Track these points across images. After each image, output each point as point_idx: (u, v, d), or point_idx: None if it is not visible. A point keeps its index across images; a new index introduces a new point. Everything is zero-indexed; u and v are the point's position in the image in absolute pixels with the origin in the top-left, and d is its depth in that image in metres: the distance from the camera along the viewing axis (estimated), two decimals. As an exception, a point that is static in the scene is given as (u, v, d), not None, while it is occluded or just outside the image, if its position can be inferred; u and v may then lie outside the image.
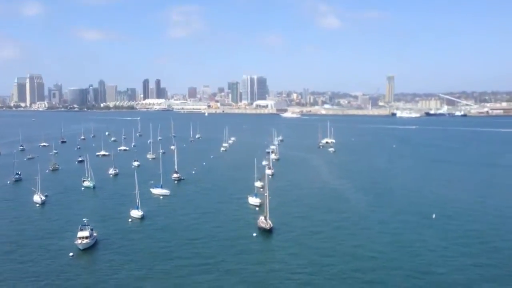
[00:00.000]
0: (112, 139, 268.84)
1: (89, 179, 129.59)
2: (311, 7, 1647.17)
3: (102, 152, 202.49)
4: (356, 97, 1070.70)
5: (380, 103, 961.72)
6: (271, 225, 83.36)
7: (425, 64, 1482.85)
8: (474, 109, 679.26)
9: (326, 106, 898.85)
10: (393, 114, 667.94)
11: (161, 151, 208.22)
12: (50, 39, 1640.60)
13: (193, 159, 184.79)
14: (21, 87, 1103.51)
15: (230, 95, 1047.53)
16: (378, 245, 75.87)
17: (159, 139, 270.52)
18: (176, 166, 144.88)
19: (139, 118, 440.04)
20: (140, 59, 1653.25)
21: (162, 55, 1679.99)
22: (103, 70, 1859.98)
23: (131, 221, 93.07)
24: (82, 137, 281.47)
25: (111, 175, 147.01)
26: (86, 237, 75.81)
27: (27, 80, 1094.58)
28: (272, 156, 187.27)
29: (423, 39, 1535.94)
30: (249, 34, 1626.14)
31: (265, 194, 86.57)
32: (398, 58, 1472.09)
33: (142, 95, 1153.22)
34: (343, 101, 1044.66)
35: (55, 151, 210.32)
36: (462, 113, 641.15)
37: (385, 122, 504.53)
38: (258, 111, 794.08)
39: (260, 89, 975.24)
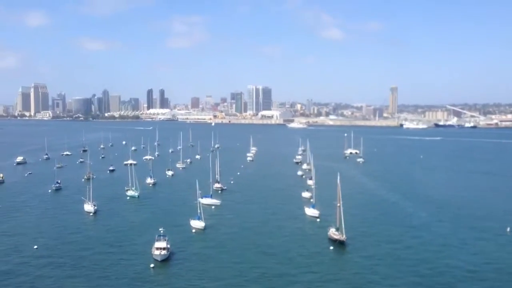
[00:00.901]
0: (133, 148, 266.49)
1: (134, 188, 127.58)
2: (313, 18, 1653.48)
3: (130, 161, 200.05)
4: (358, 108, 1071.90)
5: (385, 114, 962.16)
6: (345, 237, 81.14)
7: (426, 75, 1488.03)
8: (482, 120, 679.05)
9: (332, 117, 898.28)
10: (401, 125, 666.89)
11: (188, 160, 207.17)
12: (53, 49, 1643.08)
13: (224, 169, 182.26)
14: (25, 97, 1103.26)
15: (234, 105, 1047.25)
16: (468, 263, 71.92)
17: (179, 148, 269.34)
18: (218, 176, 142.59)
19: (151, 128, 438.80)
20: (142, 69, 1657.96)
21: (164, 65, 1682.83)
22: (106, 80, 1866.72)
23: (194, 231, 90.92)
24: (102, 146, 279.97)
25: (150, 185, 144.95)
26: (164, 248, 73.70)
27: (32, 90, 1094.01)
28: (304, 166, 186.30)
29: (424, 50, 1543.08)
30: (251, 44, 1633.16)
31: (338, 204, 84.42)
32: (399, 69, 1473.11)
33: (145, 105, 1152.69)
34: (347, 112, 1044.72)
35: (81, 159, 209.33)
36: (472, 124, 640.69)
37: (396, 133, 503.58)
38: (264, 122, 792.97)
39: (265, 99, 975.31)
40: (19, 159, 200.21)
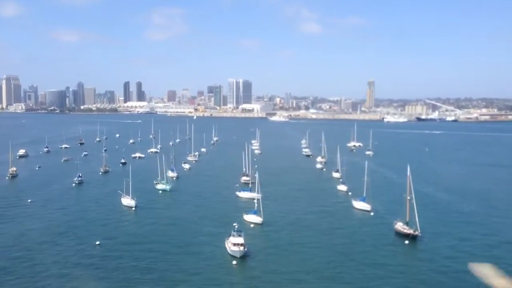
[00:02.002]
0: (131, 141, 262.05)
1: (164, 181, 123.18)
2: (294, 12, 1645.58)
3: (138, 154, 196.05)
4: (335, 102, 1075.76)
5: (362, 108, 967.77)
6: (419, 232, 78.87)
7: (401, 70, 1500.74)
8: (461, 114, 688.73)
9: (312, 110, 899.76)
10: (383, 119, 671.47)
11: (197, 153, 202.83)
12: (26, 40, 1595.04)
13: (237, 161, 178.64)
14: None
15: (212, 99, 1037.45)
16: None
17: (178, 142, 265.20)
18: (246, 169, 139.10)
19: (139, 121, 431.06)
20: (118, 62, 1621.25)
21: (141, 58, 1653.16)
22: (81, 72, 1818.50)
23: (253, 226, 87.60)
24: (98, 139, 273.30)
25: (173, 178, 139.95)
26: (242, 244, 70.32)
27: (4, 81, 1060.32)
28: (319, 159, 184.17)
29: (400, 46, 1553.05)
30: (230, 38, 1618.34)
31: (408, 197, 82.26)
32: (376, 64, 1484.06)
33: (121, 98, 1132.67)
34: (324, 106, 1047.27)
35: (85, 152, 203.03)
36: (453, 118, 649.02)
37: (380, 126, 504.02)
38: (247, 115, 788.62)
39: (246, 92, 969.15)
40: (21, 152, 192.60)
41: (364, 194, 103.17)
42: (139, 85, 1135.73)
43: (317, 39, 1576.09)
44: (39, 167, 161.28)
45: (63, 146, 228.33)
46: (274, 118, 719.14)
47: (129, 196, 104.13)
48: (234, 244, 70.31)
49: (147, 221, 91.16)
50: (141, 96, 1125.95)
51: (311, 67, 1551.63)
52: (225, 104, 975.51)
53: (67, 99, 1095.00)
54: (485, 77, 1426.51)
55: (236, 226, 74.63)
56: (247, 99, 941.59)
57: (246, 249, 70.67)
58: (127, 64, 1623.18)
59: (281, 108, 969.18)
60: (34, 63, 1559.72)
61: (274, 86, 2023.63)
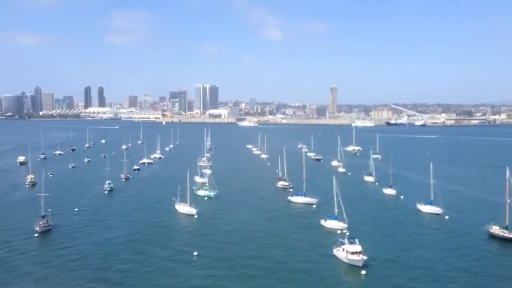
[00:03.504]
0: (123, 147, 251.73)
1: (207, 187, 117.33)
2: (259, 18, 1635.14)
3: (146, 160, 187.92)
4: (297, 108, 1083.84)
5: (326, 114, 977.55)
6: (518, 235, 76.75)
7: (362, 76, 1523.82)
8: (428, 119, 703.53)
9: (279, 115, 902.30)
10: (352, 124, 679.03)
11: (204, 158, 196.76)
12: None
13: (252, 165, 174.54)
14: None
15: (176, 104, 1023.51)
16: None
17: (172, 147, 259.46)
18: (282, 174, 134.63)
19: (117, 127, 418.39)
20: (77, 66, 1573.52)
21: (101, 63, 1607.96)
22: (38, 77, 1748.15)
23: (340, 232, 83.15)
24: (87, 145, 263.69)
25: (205, 183, 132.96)
26: (361, 252, 65.83)
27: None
28: (335, 163, 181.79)
29: (362, 52, 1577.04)
30: (192, 43, 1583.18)
31: (508, 201, 79.74)
32: (338, 70, 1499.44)
33: (81, 104, 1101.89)
34: (288, 111, 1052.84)
35: (88, 159, 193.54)
36: (422, 123, 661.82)
37: (359, 131, 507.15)
38: (216, 120, 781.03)
39: (212, 98, 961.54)
40: (21, 159, 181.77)
41: (432, 198, 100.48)
42: (100, 90, 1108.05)
43: (279, 45, 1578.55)
44: (51, 174, 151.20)
45: (57, 152, 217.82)
46: (243, 123, 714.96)
47: (185, 203, 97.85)
48: (353, 253, 65.77)
49: (225, 229, 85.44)
50: (102, 102, 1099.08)
51: (274, 73, 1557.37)
52: (190, 109, 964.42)
53: (24, 105, 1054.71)
54: (440, 83, 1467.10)
55: (346, 232, 69.80)
56: (214, 105, 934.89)
57: (366, 257, 66.20)
58: (86, 69, 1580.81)
59: (247, 113, 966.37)
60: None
61: (237, 91, 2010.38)
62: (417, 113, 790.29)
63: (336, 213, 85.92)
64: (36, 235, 79.79)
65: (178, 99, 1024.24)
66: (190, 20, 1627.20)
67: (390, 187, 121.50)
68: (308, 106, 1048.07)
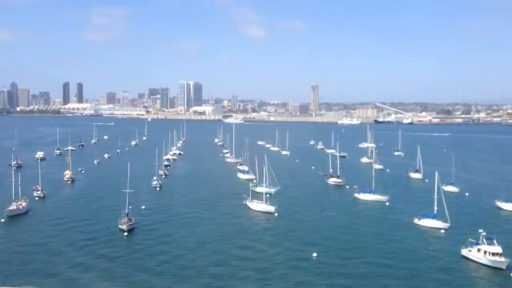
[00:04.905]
0: (133, 143, 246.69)
1: (267, 184, 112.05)
2: (241, 16, 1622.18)
3: (169, 157, 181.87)
4: (276, 105, 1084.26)
5: (309, 111, 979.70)
6: None
7: (337, 75, 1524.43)
8: (413, 117, 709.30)
9: (263, 113, 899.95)
10: (338, 122, 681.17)
11: (227, 154, 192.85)
12: None
13: (279, 163, 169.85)
14: None
15: (158, 101, 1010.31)
16: None
17: (181, 144, 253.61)
18: (336, 170, 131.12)
19: (112, 123, 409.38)
20: (53, 62, 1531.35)
21: (78, 58, 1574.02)
22: (12, 73, 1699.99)
23: (443, 232, 79.62)
24: (93, 140, 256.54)
25: (254, 179, 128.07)
26: (502, 254, 62.27)
27: None
28: (365, 160, 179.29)
29: (342, 50, 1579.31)
30: (171, 40, 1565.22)
31: None
32: (320, 68, 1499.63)
33: (58, 100, 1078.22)
34: (270, 109, 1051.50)
35: (108, 154, 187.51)
36: (409, 121, 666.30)
37: (347, 128, 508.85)
38: (202, 117, 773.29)
39: (196, 95, 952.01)
40: (40, 154, 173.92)
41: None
42: (79, 86, 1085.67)
43: (261, 42, 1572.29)
44: (81, 170, 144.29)
45: (69, 148, 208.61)
46: (229, 120, 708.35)
47: (260, 201, 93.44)
48: (494, 254, 62.00)
49: (320, 228, 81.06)
50: (80, 98, 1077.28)
51: (254, 71, 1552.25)
52: (172, 106, 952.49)
53: (0, 100, 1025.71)
54: (417, 82, 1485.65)
55: (483, 232, 65.90)
56: (198, 102, 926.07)
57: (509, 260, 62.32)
58: (63, 65, 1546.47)
59: (230, 110, 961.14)
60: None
61: (218, 89, 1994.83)
62: (403, 112, 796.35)
63: (435, 211, 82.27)
64: (125, 233, 74.38)
65: (159, 96, 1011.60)
66: (170, 17, 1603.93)
67: (452, 184, 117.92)
68: (290, 103, 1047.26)
